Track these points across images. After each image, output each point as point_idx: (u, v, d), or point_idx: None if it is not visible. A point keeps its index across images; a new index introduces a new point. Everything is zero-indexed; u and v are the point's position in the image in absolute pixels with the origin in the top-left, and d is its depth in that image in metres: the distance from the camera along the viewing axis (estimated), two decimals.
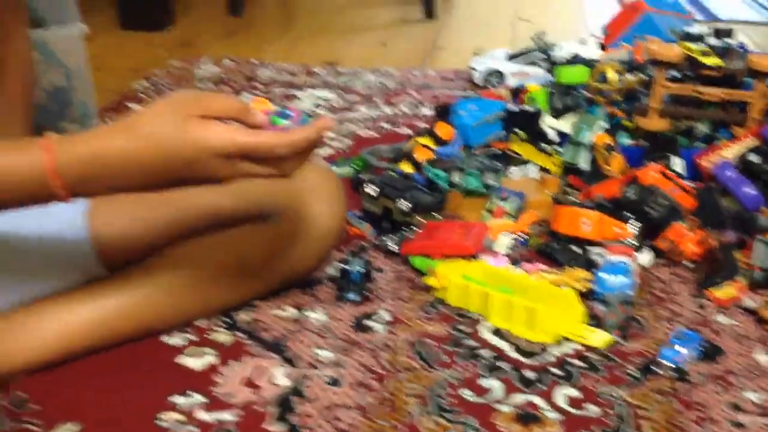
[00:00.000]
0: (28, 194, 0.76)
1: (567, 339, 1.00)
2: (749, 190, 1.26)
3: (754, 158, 1.30)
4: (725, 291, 1.07)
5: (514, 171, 1.49)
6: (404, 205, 1.24)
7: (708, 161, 1.36)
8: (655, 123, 1.45)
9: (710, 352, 0.96)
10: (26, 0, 1.00)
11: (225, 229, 1.01)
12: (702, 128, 1.47)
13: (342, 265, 1.11)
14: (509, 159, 1.52)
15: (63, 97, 1.46)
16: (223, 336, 1.00)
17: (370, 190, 1.29)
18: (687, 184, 1.26)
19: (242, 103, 0.78)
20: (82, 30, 1.46)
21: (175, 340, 0.99)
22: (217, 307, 1.03)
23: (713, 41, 1.53)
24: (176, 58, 2.19)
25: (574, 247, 1.21)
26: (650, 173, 1.22)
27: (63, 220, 0.94)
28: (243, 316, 1.04)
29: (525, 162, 1.52)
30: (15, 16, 0.97)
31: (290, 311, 1.06)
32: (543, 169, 1.49)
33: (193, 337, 0.99)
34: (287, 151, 0.78)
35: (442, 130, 1.46)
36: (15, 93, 0.99)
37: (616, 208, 1.22)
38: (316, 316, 1.05)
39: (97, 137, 0.76)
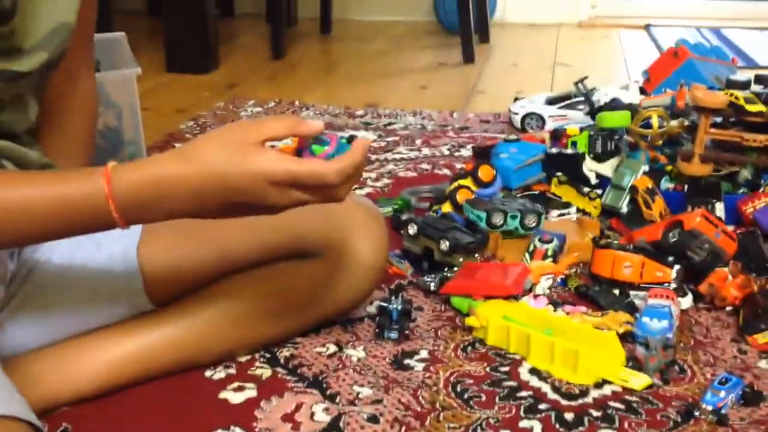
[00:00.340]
0: (85, 219, 0.77)
1: (607, 382, 1.00)
2: None
3: None
4: (767, 336, 1.06)
5: (555, 214, 1.50)
6: (445, 245, 1.25)
7: (751, 207, 1.35)
8: (697, 168, 1.45)
9: (752, 398, 0.95)
10: (93, 42, 1.03)
11: (271, 264, 1.03)
12: (745, 174, 1.47)
13: (382, 303, 1.12)
14: (549, 201, 1.53)
15: (115, 137, 1.51)
16: (264, 371, 1.02)
17: (411, 229, 1.31)
18: (729, 228, 1.25)
19: (294, 119, 0.80)
20: (134, 72, 1.52)
21: (218, 374, 1.00)
22: (261, 342, 1.05)
23: (757, 88, 1.54)
24: (221, 100, 2.24)
25: (615, 291, 1.21)
26: (693, 218, 1.22)
27: (114, 254, 0.97)
28: (284, 352, 1.05)
29: (565, 205, 1.53)
30: (84, 55, 1.01)
31: (331, 348, 1.07)
32: (583, 212, 1.50)
33: (235, 372, 1.01)
34: (337, 178, 0.78)
35: (484, 171, 1.47)
36: (79, 131, 1.03)
37: (657, 252, 1.22)
38: (356, 353, 1.07)
39: (154, 163, 0.77)
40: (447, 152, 1.86)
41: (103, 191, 0.75)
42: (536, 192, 1.57)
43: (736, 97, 1.42)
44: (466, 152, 1.83)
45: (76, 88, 1.00)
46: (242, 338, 1.02)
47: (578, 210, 1.51)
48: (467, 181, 1.47)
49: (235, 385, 0.99)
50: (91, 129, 1.07)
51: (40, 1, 0.85)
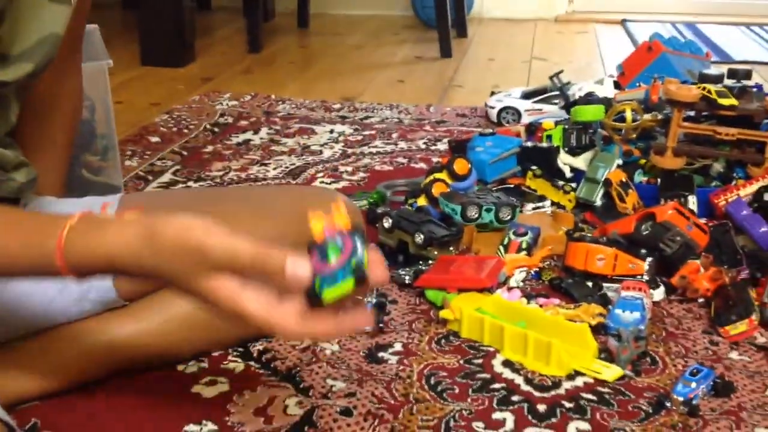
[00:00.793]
0: (34, 268, 0.72)
1: (579, 373, 1.00)
2: (763, 228, 1.26)
3: (767, 197, 1.30)
4: (738, 328, 1.07)
5: (529, 207, 1.50)
6: (420, 238, 1.25)
7: (723, 200, 1.36)
8: (670, 161, 1.46)
9: (722, 389, 0.96)
10: (82, 43, 1.03)
11: None
12: (717, 167, 1.48)
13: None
14: (524, 195, 1.54)
15: (87, 130, 1.49)
16: (237, 365, 1.01)
17: (386, 223, 1.30)
18: (702, 221, 1.26)
19: (279, 259, 0.66)
20: (107, 65, 1.50)
21: (190, 368, 1.00)
22: (234, 340, 1.04)
23: (730, 82, 1.55)
24: (196, 93, 2.23)
25: (588, 283, 1.21)
26: (666, 210, 1.23)
27: None
28: (258, 346, 1.05)
29: (540, 198, 1.53)
30: (72, 56, 1.00)
31: (305, 341, 1.07)
32: (557, 205, 1.50)
33: (207, 366, 1.00)
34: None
35: (459, 165, 1.47)
36: (60, 128, 1.02)
37: (630, 245, 1.23)
38: (330, 346, 1.06)
39: (113, 236, 0.69)
40: (423, 146, 1.86)
41: (54, 260, 0.70)
42: (511, 185, 1.58)
43: (709, 91, 1.43)
44: (443, 146, 1.83)
45: (62, 87, 1.00)
46: (212, 336, 1.01)
47: (553, 203, 1.51)
48: (442, 175, 1.47)
49: (207, 379, 0.98)
50: (72, 127, 1.07)
51: (29, 10, 0.84)
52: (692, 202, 1.39)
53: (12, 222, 0.74)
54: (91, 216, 0.71)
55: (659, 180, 1.46)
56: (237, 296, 0.66)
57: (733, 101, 1.42)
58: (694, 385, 0.94)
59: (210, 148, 1.80)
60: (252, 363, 1.02)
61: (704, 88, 1.44)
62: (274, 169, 1.68)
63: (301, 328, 0.67)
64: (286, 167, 1.69)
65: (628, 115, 1.56)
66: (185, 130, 1.91)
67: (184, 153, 1.77)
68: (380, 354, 1.05)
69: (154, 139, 1.85)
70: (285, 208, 1.07)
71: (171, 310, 0.99)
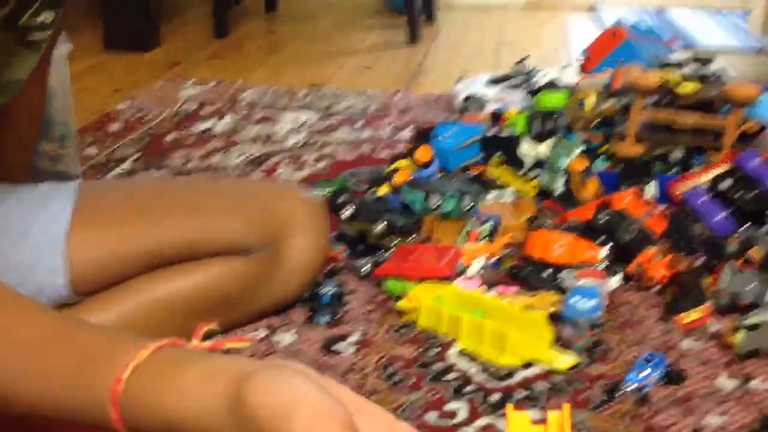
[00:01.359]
0: (82, 415, 0.54)
1: (534, 362, 1.01)
2: (719, 216, 1.28)
3: (725, 185, 1.31)
4: (692, 316, 1.08)
5: (491, 195, 1.50)
6: (379, 227, 1.25)
7: (681, 187, 1.37)
8: (630, 149, 1.46)
9: (675, 376, 0.97)
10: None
11: (201, 260, 1.01)
12: (677, 154, 1.49)
13: (314, 288, 1.12)
14: (486, 183, 1.54)
15: (45, 117, 1.47)
16: None
17: (347, 212, 1.30)
18: (660, 208, 1.27)
19: None
20: (67, 49, 1.47)
21: None
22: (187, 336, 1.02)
23: (693, 68, 1.56)
24: (161, 79, 2.20)
25: (546, 271, 1.22)
26: (623, 198, 1.23)
27: (40, 245, 0.94)
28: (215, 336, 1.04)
29: (502, 186, 1.53)
30: (42, 69, 1.00)
31: (262, 332, 1.07)
32: (519, 194, 1.51)
33: None
34: None
35: (422, 152, 1.47)
36: (27, 130, 1.00)
37: (588, 232, 1.23)
38: (287, 338, 1.06)
39: (182, 403, 0.49)
40: (388, 134, 1.85)
41: (107, 410, 0.51)
42: (474, 173, 1.58)
43: (667, 78, 1.43)
44: (408, 134, 1.83)
45: (32, 90, 0.99)
46: (166, 333, 1.00)
47: (515, 191, 1.51)
48: (405, 163, 1.47)
49: None
50: (37, 118, 1.05)
51: (3, 57, 0.84)
52: (652, 189, 1.39)
53: (56, 343, 0.55)
54: (170, 351, 0.52)
55: (620, 167, 1.46)
56: None
57: (690, 88, 1.43)
58: (646, 373, 0.95)
59: (172, 136, 1.78)
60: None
61: (664, 75, 1.45)
62: (237, 157, 1.67)
63: None
64: (249, 156, 1.68)
65: (590, 102, 1.56)
66: (147, 117, 1.89)
67: (146, 140, 1.75)
68: (337, 345, 1.05)
69: (115, 126, 1.83)
70: (252, 203, 1.05)
71: (125, 306, 0.98)
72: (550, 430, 0.44)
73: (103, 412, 0.51)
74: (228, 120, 1.88)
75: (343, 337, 1.07)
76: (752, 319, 1.01)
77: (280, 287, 1.05)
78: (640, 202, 1.23)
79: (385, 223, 1.25)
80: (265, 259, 1.03)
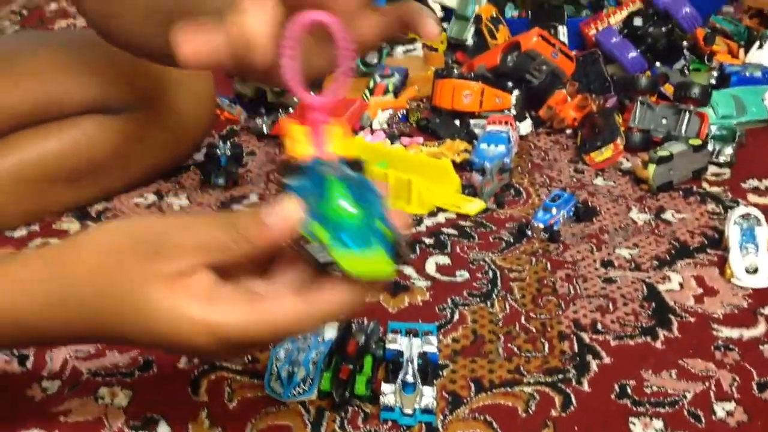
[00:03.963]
0: None
1: (442, 210, 0.96)
2: (632, 53, 1.23)
3: (637, 22, 1.26)
4: (603, 154, 1.05)
5: (400, 49, 1.43)
6: None
7: (593, 29, 1.31)
8: None
9: (584, 213, 0.93)
10: None
11: (66, 119, 0.92)
12: None
13: (209, 150, 1.04)
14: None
15: None
16: (72, 225, 0.93)
17: None
18: (567, 48, 1.21)
19: (233, 234, 0.44)
20: None
21: (18, 232, 0.91)
22: (66, 205, 0.94)
23: None
24: None
25: (455, 121, 1.16)
26: (530, 38, 1.17)
27: None
28: (97, 206, 0.96)
29: (411, 40, 1.45)
30: None
31: (150, 198, 0.99)
32: (429, 48, 1.43)
33: (38, 228, 0.92)
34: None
35: None
36: None
37: (497, 78, 1.17)
38: (179, 201, 0.99)
39: (5, 294, 0.46)
40: None
41: None
42: None
43: None
44: None
45: None
46: (37, 201, 0.91)
47: (424, 45, 1.44)
48: None
49: (38, 241, 0.90)
50: None
51: None
52: (563, 32, 1.33)
53: None
54: None
55: (530, 12, 1.40)
56: (234, 312, 0.43)
57: None
58: (554, 211, 0.91)
59: (54, 6, 1.64)
60: (90, 222, 0.93)
61: None
62: None
63: (305, 309, 0.44)
64: None
65: None
66: None
67: (24, 12, 1.60)
68: (234, 206, 0.98)
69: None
70: (113, 57, 0.96)
71: None
72: (336, 136, 0.45)
73: None
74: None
75: (240, 198, 1.00)
76: (663, 151, 0.98)
77: (162, 149, 0.97)
78: (548, 41, 1.17)
79: None
80: (141, 117, 0.94)
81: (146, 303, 0.43)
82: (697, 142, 1.01)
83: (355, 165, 0.45)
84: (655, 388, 0.67)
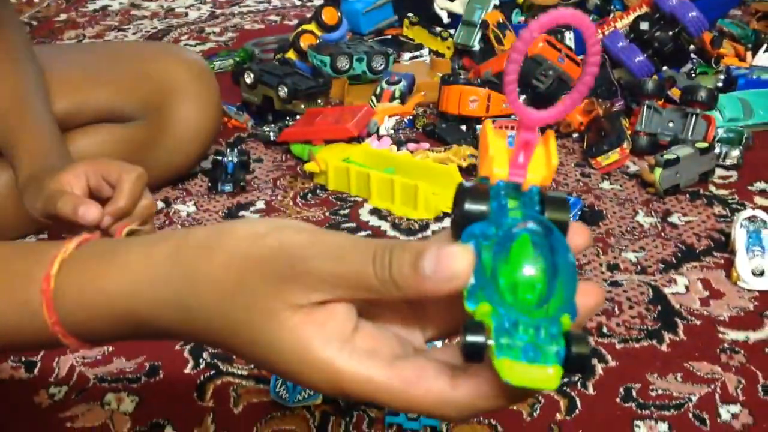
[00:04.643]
0: (21, 331, 0.45)
1: (448, 214, 0.96)
2: (639, 57, 1.23)
3: (644, 26, 1.26)
4: (610, 158, 1.04)
5: (407, 56, 1.43)
6: (284, 91, 1.17)
7: (600, 33, 1.31)
8: None
9: (590, 217, 0.93)
10: None
11: (84, 126, 0.94)
12: (595, 0, 1.43)
13: (216, 157, 1.05)
14: (401, 44, 1.46)
15: None
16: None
17: (248, 78, 1.22)
18: (574, 54, 1.21)
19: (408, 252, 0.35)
20: None
21: (29, 240, 0.92)
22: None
23: None
24: None
25: (462, 126, 1.16)
26: (536, 44, 1.17)
27: None
28: None
29: (417, 47, 1.46)
30: None
31: (159, 205, 1.00)
32: (436, 53, 1.44)
33: (45, 236, 0.92)
34: (457, 414, 0.36)
35: (328, 14, 1.38)
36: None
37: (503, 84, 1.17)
38: (186, 208, 0.99)
39: (134, 261, 0.41)
40: (298, 2, 1.75)
41: (41, 314, 0.42)
42: (388, 36, 1.50)
43: None
44: (319, 1, 1.72)
45: None
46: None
47: (431, 51, 1.44)
48: (311, 26, 1.38)
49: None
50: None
51: None
52: (569, 38, 1.33)
53: None
54: (100, 241, 0.44)
55: (536, 17, 1.40)
56: (368, 362, 0.37)
57: None
58: None
59: (63, 17, 1.65)
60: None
61: None
62: (133, 34, 1.56)
63: (451, 398, 0.36)
64: (147, 32, 1.57)
65: None
66: (36, 0, 1.75)
67: (34, 24, 1.62)
68: (241, 213, 0.99)
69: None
70: (124, 68, 0.97)
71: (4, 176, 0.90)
72: (536, 154, 0.35)
73: (42, 322, 0.42)
74: None
75: (247, 205, 1.00)
76: (670, 154, 0.98)
77: (169, 155, 0.98)
78: (554, 46, 1.17)
79: (290, 86, 1.17)
80: (149, 126, 0.95)
81: (270, 333, 0.37)
82: (704, 145, 1.00)
83: (557, 203, 0.34)
84: (660, 391, 0.67)
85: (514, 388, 0.33)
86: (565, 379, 0.68)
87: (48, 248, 0.43)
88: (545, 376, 0.32)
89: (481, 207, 0.33)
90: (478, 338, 0.32)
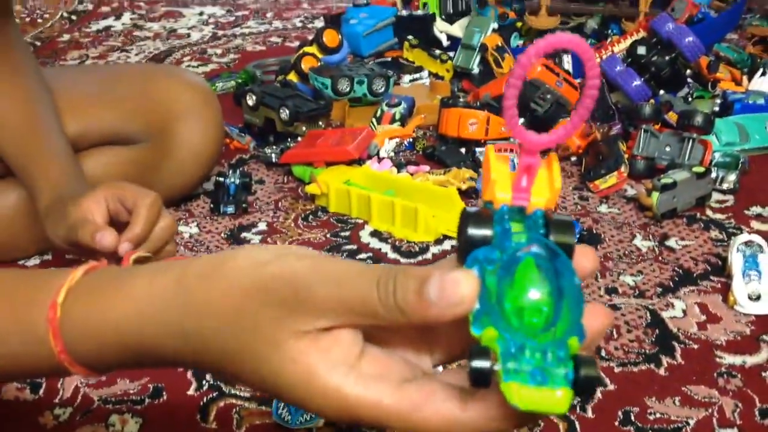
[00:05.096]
0: (27, 359, 0.45)
1: (448, 237, 0.97)
2: (636, 82, 1.24)
3: (641, 50, 1.27)
4: (608, 181, 1.06)
5: (407, 78, 1.45)
6: (285, 113, 1.19)
7: (597, 58, 1.33)
8: (544, 21, 1.41)
9: (589, 240, 0.94)
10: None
11: (90, 149, 0.95)
12: (592, 24, 1.45)
13: (218, 178, 1.06)
14: (401, 67, 1.48)
15: None
16: None
17: (250, 100, 1.23)
18: (572, 78, 1.23)
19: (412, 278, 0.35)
20: None
21: (32, 261, 0.93)
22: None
23: None
24: None
25: (461, 149, 1.18)
26: (535, 68, 1.19)
27: None
28: None
29: (417, 69, 1.47)
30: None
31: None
32: (435, 76, 1.45)
33: (50, 258, 0.93)
34: None
35: (329, 37, 1.40)
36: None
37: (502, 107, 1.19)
38: (188, 230, 1.00)
39: (138, 287, 0.42)
40: (299, 24, 1.76)
41: (48, 342, 0.43)
42: (389, 58, 1.52)
43: None
44: (320, 23, 1.74)
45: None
46: None
47: (431, 74, 1.46)
48: (312, 48, 1.39)
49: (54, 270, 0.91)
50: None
51: None
52: (567, 61, 1.35)
53: None
54: (106, 269, 0.45)
55: (534, 41, 1.41)
56: (376, 390, 0.37)
57: None
58: None
59: (67, 37, 1.67)
60: None
61: None
62: (136, 55, 1.57)
63: (461, 420, 0.36)
64: (150, 53, 1.58)
65: None
66: (39, 20, 1.76)
67: (37, 44, 1.64)
68: (243, 234, 1.00)
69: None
70: (129, 90, 0.99)
71: (11, 196, 0.91)
72: (539, 177, 0.35)
73: (48, 350, 0.43)
74: (126, 18, 1.77)
75: (249, 227, 1.01)
76: (667, 178, 0.99)
77: (171, 177, 0.99)
78: (552, 71, 1.19)
79: (291, 108, 1.18)
80: (153, 148, 0.97)
81: (275, 362, 0.37)
82: (701, 169, 1.02)
83: (562, 226, 0.34)
84: (658, 415, 0.68)
85: (523, 411, 0.33)
86: (574, 401, 0.69)
87: (54, 276, 0.44)
88: (554, 399, 0.32)
89: (485, 232, 0.33)
90: (484, 364, 0.32)
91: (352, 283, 0.36)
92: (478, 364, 0.32)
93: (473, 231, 0.34)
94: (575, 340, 0.32)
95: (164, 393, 0.71)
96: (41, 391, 0.71)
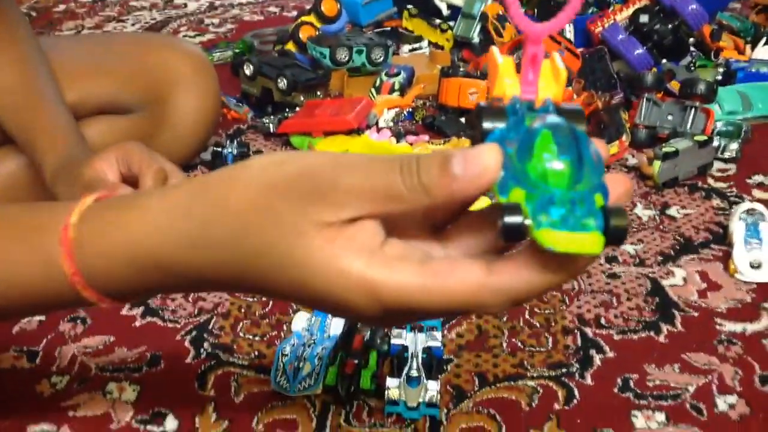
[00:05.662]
0: (39, 288, 0.44)
1: None
2: (638, 50, 1.23)
3: (643, 19, 1.26)
4: (609, 150, 1.05)
5: (407, 48, 1.44)
6: (283, 83, 1.18)
7: (599, 26, 1.32)
8: None
9: None
10: None
11: (85, 118, 0.94)
12: None
13: (216, 149, 1.05)
14: (401, 37, 1.47)
15: None
16: None
17: (248, 70, 1.22)
18: (573, 46, 1.22)
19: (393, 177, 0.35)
20: None
21: None
22: None
23: None
24: None
25: (461, 119, 1.17)
26: None
27: None
28: None
29: (417, 39, 1.46)
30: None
31: None
32: (435, 45, 1.44)
33: None
34: (494, 300, 0.36)
35: (327, 6, 1.38)
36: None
37: None
38: None
39: (155, 203, 0.40)
40: None
41: (61, 265, 0.42)
42: (388, 28, 1.50)
43: None
44: None
45: None
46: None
47: (430, 43, 1.45)
48: (310, 18, 1.38)
49: None
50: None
51: None
52: (569, 30, 1.34)
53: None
54: (118, 195, 0.43)
55: (536, 10, 1.40)
56: (401, 271, 0.36)
57: None
58: None
59: (62, 7, 1.65)
60: None
61: None
62: (132, 25, 1.56)
63: (489, 282, 0.35)
64: (146, 23, 1.57)
65: None
66: None
67: (33, 14, 1.62)
68: None
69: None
70: (125, 59, 0.98)
71: (8, 164, 0.91)
72: (544, 72, 0.36)
73: (60, 273, 0.42)
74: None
75: None
76: (669, 147, 0.98)
77: (168, 147, 0.98)
78: (554, 39, 1.18)
79: (289, 78, 1.17)
80: (150, 117, 0.96)
81: (299, 253, 0.36)
82: (703, 138, 1.01)
83: (572, 114, 0.34)
84: (657, 382, 0.67)
85: (552, 264, 0.33)
86: (563, 370, 0.68)
87: (63, 204, 0.43)
88: (588, 240, 0.32)
89: (500, 124, 0.34)
90: (516, 218, 0.32)
91: (374, 170, 0.35)
92: (511, 218, 0.32)
93: (488, 124, 0.34)
94: (600, 197, 0.33)
95: (162, 361, 0.71)
96: (38, 360, 0.71)
